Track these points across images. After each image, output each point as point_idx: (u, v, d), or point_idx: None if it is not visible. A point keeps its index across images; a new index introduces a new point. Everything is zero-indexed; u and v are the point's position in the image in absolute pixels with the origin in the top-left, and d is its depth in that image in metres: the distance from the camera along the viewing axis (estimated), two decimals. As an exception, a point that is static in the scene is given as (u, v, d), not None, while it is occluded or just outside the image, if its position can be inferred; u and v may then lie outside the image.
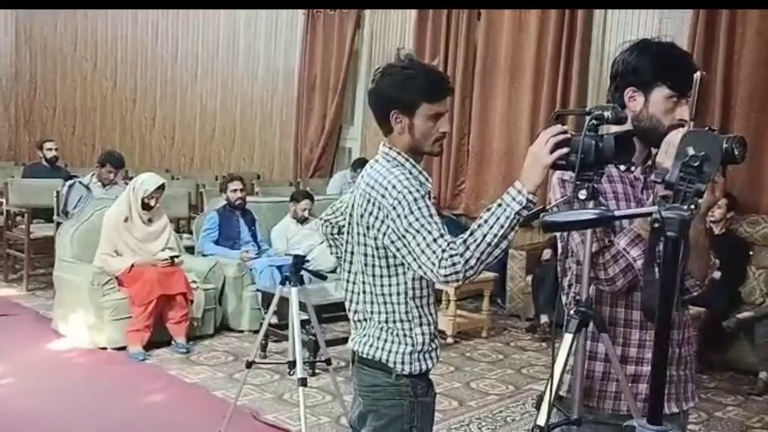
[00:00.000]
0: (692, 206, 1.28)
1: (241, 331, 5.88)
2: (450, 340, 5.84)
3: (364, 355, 2.14)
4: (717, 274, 5.24)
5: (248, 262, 6.04)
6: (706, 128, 1.65)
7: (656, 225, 1.28)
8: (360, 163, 6.60)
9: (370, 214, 2.03)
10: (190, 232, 7.09)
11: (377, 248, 2.05)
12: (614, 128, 1.88)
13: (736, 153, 1.52)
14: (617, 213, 1.54)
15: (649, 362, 1.94)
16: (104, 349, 5.28)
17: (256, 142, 10.24)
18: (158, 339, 5.33)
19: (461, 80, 7.73)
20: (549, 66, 7.06)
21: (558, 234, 2.07)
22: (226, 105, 10.47)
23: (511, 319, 6.66)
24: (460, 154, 7.88)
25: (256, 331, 5.24)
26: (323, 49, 9.28)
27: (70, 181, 7.07)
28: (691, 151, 1.33)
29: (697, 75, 1.61)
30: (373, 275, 2.09)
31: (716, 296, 5.08)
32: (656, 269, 1.78)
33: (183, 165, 10.89)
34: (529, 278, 6.46)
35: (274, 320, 5.19)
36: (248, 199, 6.75)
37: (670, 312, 1.31)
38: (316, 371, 4.90)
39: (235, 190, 6.35)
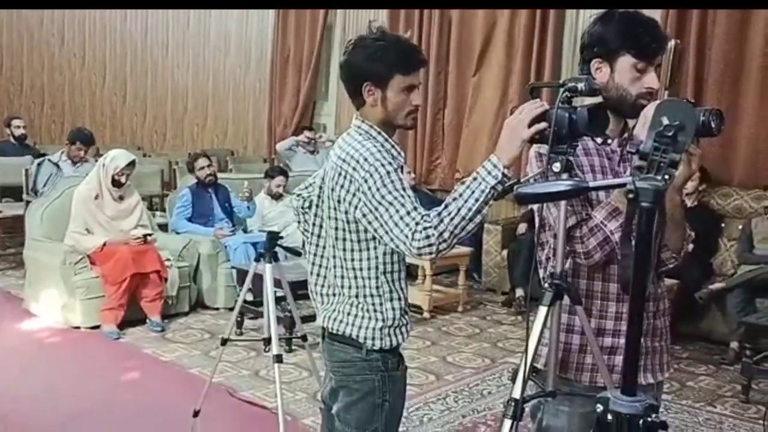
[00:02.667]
0: (666, 176, 1.27)
1: (217, 309, 5.85)
2: (426, 314, 5.86)
3: (334, 331, 2.13)
4: (689, 246, 5.32)
5: (223, 239, 5.99)
6: (684, 99, 1.64)
7: (630, 195, 1.27)
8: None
9: (342, 187, 2.01)
10: (164, 210, 7.02)
11: (348, 222, 2.03)
12: (588, 100, 1.87)
13: (712, 125, 1.51)
14: (591, 184, 1.53)
15: (626, 334, 1.94)
16: (77, 328, 5.23)
17: (230, 118, 10.12)
18: (132, 317, 5.28)
19: (436, 55, 7.68)
20: (522, 39, 7.03)
21: (535, 208, 2.07)
22: (198, 81, 10.33)
23: (487, 294, 6.70)
24: (436, 129, 7.85)
25: (232, 309, 5.18)
26: (296, 23, 9.17)
27: (39, 159, 6.96)
28: (665, 120, 1.31)
29: (671, 43, 1.60)
30: (344, 249, 2.07)
31: (688, 268, 5.14)
32: (633, 242, 1.78)
33: (155, 142, 10.76)
34: (505, 252, 6.49)
35: (250, 297, 5.18)
36: (222, 175, 6.68)
37: (645, 284, 1.31)
38: (293, 347, 4.89)
39: (202, 168, 6.26)
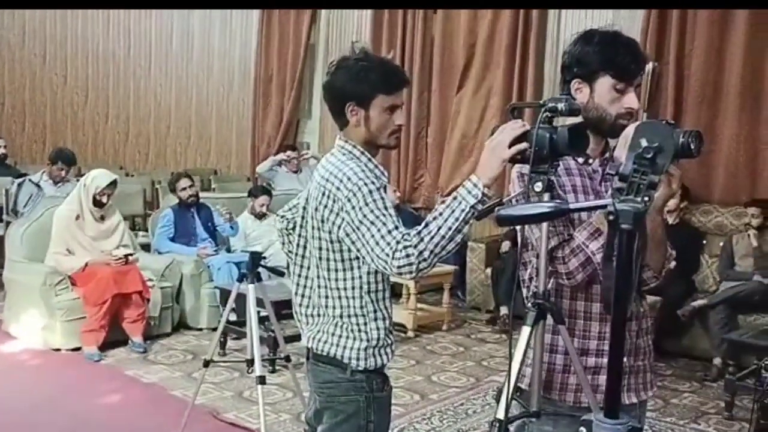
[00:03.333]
0: (646, 198, 1.27)
1: (200, 329, 5.80)
2: (411, 333, 5.84)
3: (319, 351, 2.12)
4: (671, 264, 5.35)
5: (206, 258, 5.96)
6: (663, 121, 1.66)
7: (611, 218, 1.28)
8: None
9: (325, 206, 2.01)
10: (146, 230, 6.97)
11: (332, 242, 2.03)
12: (569, 120, 1.88)
13: (692, 147, 1.52)
14: (572, 206, 1.54)
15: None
16: (58, 350, 5.16)
17: (213, 137, 10.11)
18: (114, 339, 5.22)
19: (419, 74, 7.74)
20: (504, 59, 7.09)
21: (517, 227, 2.07)
22: (181, 100, 10.32)
23: (472, 312, 6.70)
24: (419, 147, 7.89)
25: (215, 329, 5.15)
26: (279, 43, 9.21)
27: (19, 179, 6.89)
28: (644, 142, 1.32)
29: (650, 66, 1.62)
30: (328, 269, 2.07)
31: (671, 285, 5.17)
32: (615, 263, 1.79)
33: (138, 161, 10.70)
34: (489, 271, 6.50)
35: (233, 317, 5.14)
36: (205, 195, 6.65)
37: (626, 305, 1.31)
38: (276, 368, 4.85)
39: (184, 189, 6.21)
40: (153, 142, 10.63)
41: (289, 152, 8.17)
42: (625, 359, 1.95)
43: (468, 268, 6.75)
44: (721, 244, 5.67)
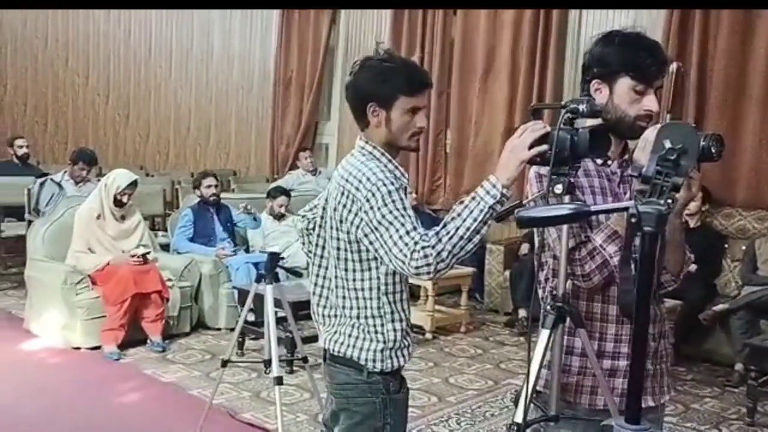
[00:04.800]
0: (669, 200, 1.25)
1: (218, 329, 5.82)
2: (428, 335, 5.83)
3: (336, 353, 2.12)
4: (692, 267, 5.29)
5: (224, 259, 5.98)
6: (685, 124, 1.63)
7: (633, 220, 1.26)
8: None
9: (344, 206, 2.01)
10: (165, 230, 7.00)
11: (350, 242, 2.03)
12: (589, 122, 1.86)
13: (713, 150, 1.50)
14: (593, 208, 1.52)
15: (626, 357, 1.94)
16: (78, 349, 5.20)
17: (232, 138, 10.16)
18: (133, 338, 5.25)
19: (438, 76, 7.72)
20: (525, 61, 7.07)
21: (535, 228, 2.06)
22: (201, 102, 10.37)
23: (490, 314, 6.66)
24: (438, 149, 7.88)
25: (233, 329, 5.17)
26: (299, 45, 9.24)
27: (41, 179, 6.95)
28: (668, 144, 1.30)
29: (673, 66, 1.60)
30: (346, 269, 2.06)
31: (692, 289, 5.12)
32: (632, 266, 1.77)
33: (158, 162, 10.77)
34: (507, 273, 6.47)
35: (251, 318, 5.16)
36: (224, 195, 6.67)
37: (647, 309, 1.30)
38: (294, 369, 4.86)
39: (209, 186, 6.28)
40: (173, 142, 10.69)
41: (302, 154, 8.28)
42: None
43: (486, 270, 6.73)
44: (744, 248, 5.60)
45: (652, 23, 6.12)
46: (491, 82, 7.39)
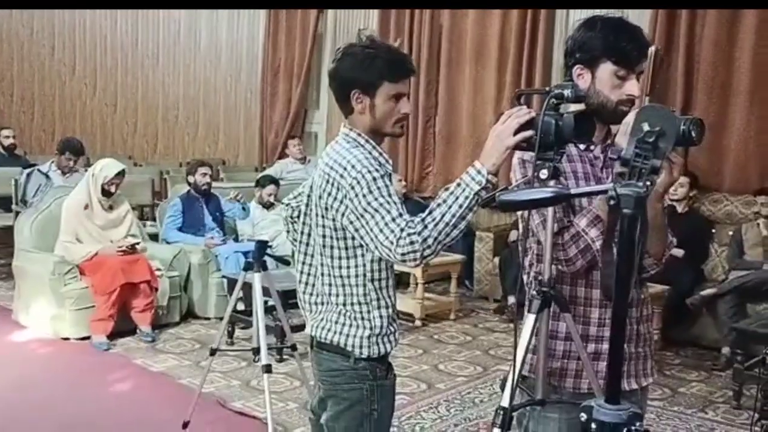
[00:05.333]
0: (648, 183, 1.26)
1: (208, 318, 5.82)
2: (418, 322, 5.85)
3: (322, 340, 2.12)
4: (680, 252, 5.32)
5: (213, 248, 5.97)
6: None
7: (612, 202, 1.26)
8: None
9: (329, 194, 2.00)
10: (154, 219, 6.99)
11: (336, 229, 2.03)
12: (573, 107, 1.86)
13: (693, 134, 1.50)
14: (574, 191, 1.52)
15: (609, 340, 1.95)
16: (67, 339, 5.19)
17: (221, 127, 10.13)
18: (123, 328, 5.25)
19: (426, 63, 7.72)
20: (514, 48, 7.07)
21: (519, 214, 2.06)
22: (189, 91, 10.33)
23: (479, 301, 6.69)
24: (427, 137, 7.87)
25: (223, 318, 5.18)
26: (287, 33, 9.20)
27: (28, 170, 6.92)
28: (646, 126, 1.31)
29: (651, 49, 1.59)
30: (332, 257, 2.06)
31: (679, 274, 5.15)
32: (614, 250, 1.78)
33: (146, 151, 10.73)
34: (497, 260, 6.49)
35: (241, 307, 5.16)
36: (213, 184, 6.66)
37: (627, 291, 1.30)
38: (283, 357, 4.87)
39: (204, 174, 6.29)
40: (161, 132, 10.65)
41: (291, 141, 8.27)
42: (625, 346, 1.95)
43: (476, 257, 6.75)
44: (731, 233, 5.64)
45: (639, 10, 6.13)
46: (480, 69, 7.38)
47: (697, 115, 5.07)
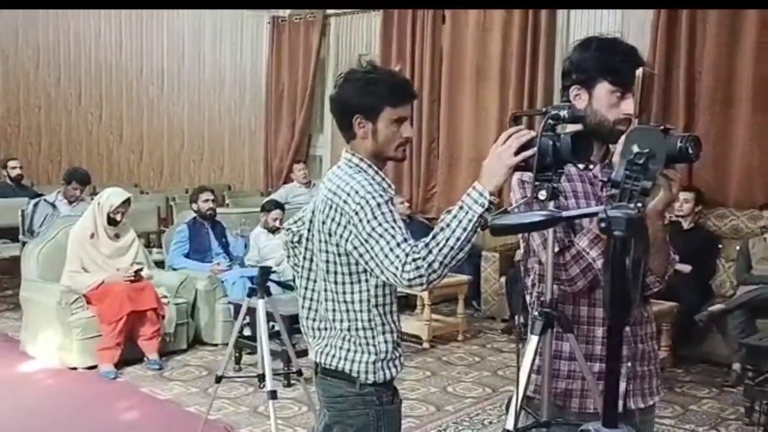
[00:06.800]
0: (639, 204, 1.26)
1: (215, 345, 5.80)
2: (426, 344, 5.82)
3: (327, 366, 2.11)
4: (687, 268, 5.30)
5: (219, 274, 5.97)
6: (659, 126, 1.64)
7: (603, 225, 1.26)
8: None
9: (332, 220, 2.00)
10: (160, 246, 7.00)
11: (339, 255, 2.03)
12: (570, 127, 1.87)
13: (690, 151, 1.50)
14: (565, 214, 1.52)
15: None
16: (75, 369, 5.18)
17: (226, 153, 10.17)
18: (130, 356, 5.24)
19: (429, 84, 7.75)
20: (515, 67, 7.10)
21: (521, 234, 2.06)
22: (193, 117, 10.39)
23: (487, 321, 6.66)
24: (431, 158, 7.89)
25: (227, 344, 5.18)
26: (289, 57, 9.26)
27: (35, 200, 6.96)
28: (635, 148, 1.31)
29: (639, 71, 1.59)
30: (335, 282, 2.06)
31: (687, 290, 5.13)
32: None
33: (152, 179, 10.78)
34: (503, 280, 6.46)
35: (248, 332, 5.15)
36: (219, 210, 6.69)
37: (621, 312, 1.30)
38: (291, 382, 4.84)
39: (206, 200, 6.30)
40: (167, 159, 10.70)
41: (296, 166, 8.27)
42: (629, 364, 1.94)
43: (483, 277, 6.73)
44: (738, 247, 5.60)
45: (639, 27, 6.16)
46: (481, 89, 7.41)
47: (699, 129, 5.10)
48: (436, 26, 7.79)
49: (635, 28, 6.27)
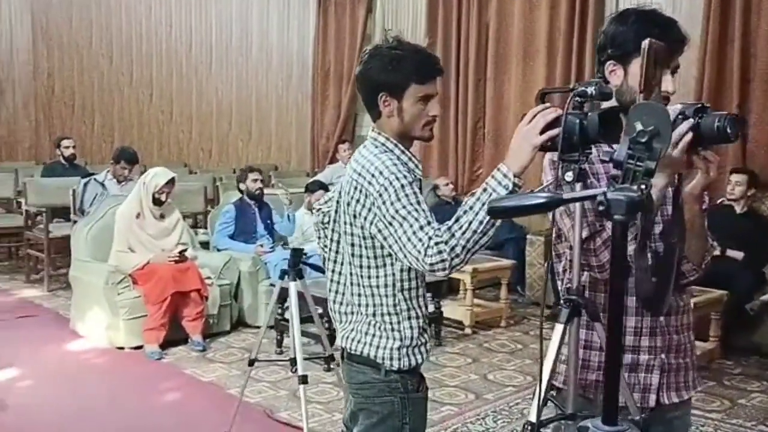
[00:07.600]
0: (642, 186, 1.17)
1: (258, 327, 5.83)
2: (467, 330, 5.76)
3: (353, 351, 2.08)
4: (739, 255, 5.12)
5: (263, 256, 6.00)
6: (699, 104, 1.54)
7: (601, 208, 1.18)
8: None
9: (357, 201, 1.97)
10: (206, 227, 7.07)
11: (364, 237, 1.99)
12: (606, 104, 1.78)
13: (728, 131, 1.41)
14: (565, 196, 1.44)
15: (647, 350, 1.89)
16: (122, 348, 5.28)
17: (273, 133, 10.21)
18: (174, 337, 5.30)
19: (474, 62, 7.62)
20: (562, 44, 6.90)
21: (550, 216, 1.97)
22: (241, 97, 10.45)
23: (531, 307, 6.55)
24: (476, 138, 7.77)
25: (272, 327, 5.21)
26: (336, 36, 9.20)
27: (85, 179, 7.09)
28: (639, 126, 1.21)
29: (645, 43, 1.48)
30: (361, 266, 2.02)
31: (739, 278, 4.97)
32: (649, 255, 1.68)
33: (201, 159, 10.91)
34: (548, 265, 6.33)
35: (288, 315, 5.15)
36: (266, 191, 6.70)
37: (621, 302, 1.21)
38: (331, 366, 4.84)
39: (255, 180, 6.31)
40: (215, 139, 10.80)
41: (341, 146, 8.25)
42: (664, 356, 1.87)
43: (527, 262, 6.61)
44: (794, 233, 5.38)
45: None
46: (528, 67, 7.24)
47: (753, 110, 4.86)
48: (483, 2, 7.62)
49: (689, 5, 6.03)
